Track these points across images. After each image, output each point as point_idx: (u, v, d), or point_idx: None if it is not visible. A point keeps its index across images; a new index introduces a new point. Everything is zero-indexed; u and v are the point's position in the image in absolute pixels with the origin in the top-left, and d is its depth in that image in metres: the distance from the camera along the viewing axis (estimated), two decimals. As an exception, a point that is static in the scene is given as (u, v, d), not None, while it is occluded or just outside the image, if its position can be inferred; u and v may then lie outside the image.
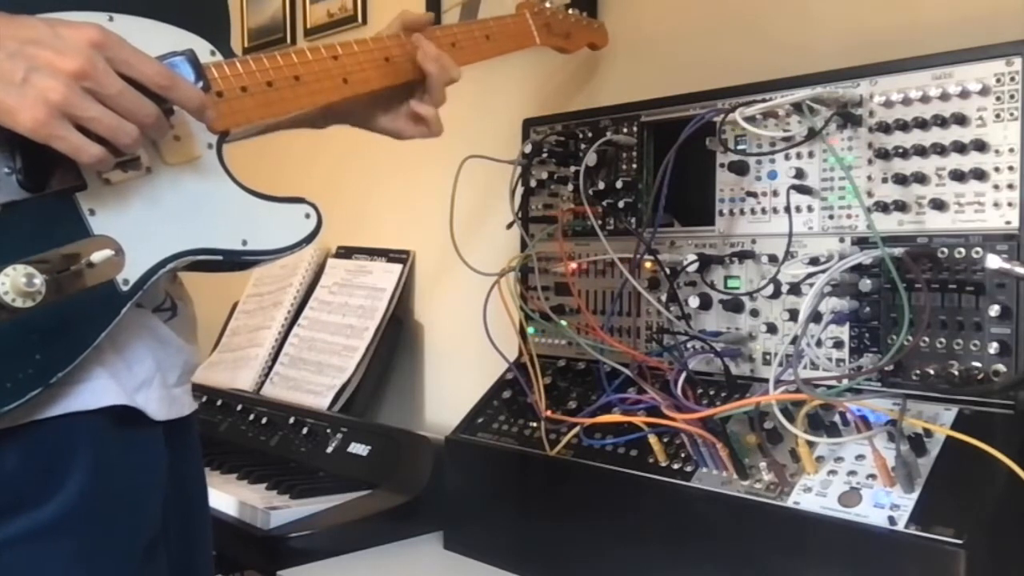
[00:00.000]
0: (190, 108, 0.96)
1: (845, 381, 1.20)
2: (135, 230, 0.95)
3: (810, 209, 1.31)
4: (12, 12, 0.87)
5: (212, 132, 1.03)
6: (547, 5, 1.60)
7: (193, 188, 1.01)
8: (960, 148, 1.16)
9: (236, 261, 1.04)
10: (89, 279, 0.89)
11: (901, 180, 1.21)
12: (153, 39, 0.97)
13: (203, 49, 1.03)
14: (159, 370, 1.04)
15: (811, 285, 1.23)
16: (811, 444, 1.18)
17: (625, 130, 1.54)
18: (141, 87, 0.90)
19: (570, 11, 1.68)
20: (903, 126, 1.21)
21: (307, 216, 1.09)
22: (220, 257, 1.02)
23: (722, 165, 1.40)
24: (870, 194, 1.24)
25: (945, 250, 1.17)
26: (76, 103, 0.86)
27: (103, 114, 0.88)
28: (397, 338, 2.21)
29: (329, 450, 1.92)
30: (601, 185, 1.55)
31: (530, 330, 1.62)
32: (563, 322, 1.55)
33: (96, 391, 0.96)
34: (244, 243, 1.04)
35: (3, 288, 0.83)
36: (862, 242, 1.25)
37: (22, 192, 0.89)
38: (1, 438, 0.91)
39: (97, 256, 0.89)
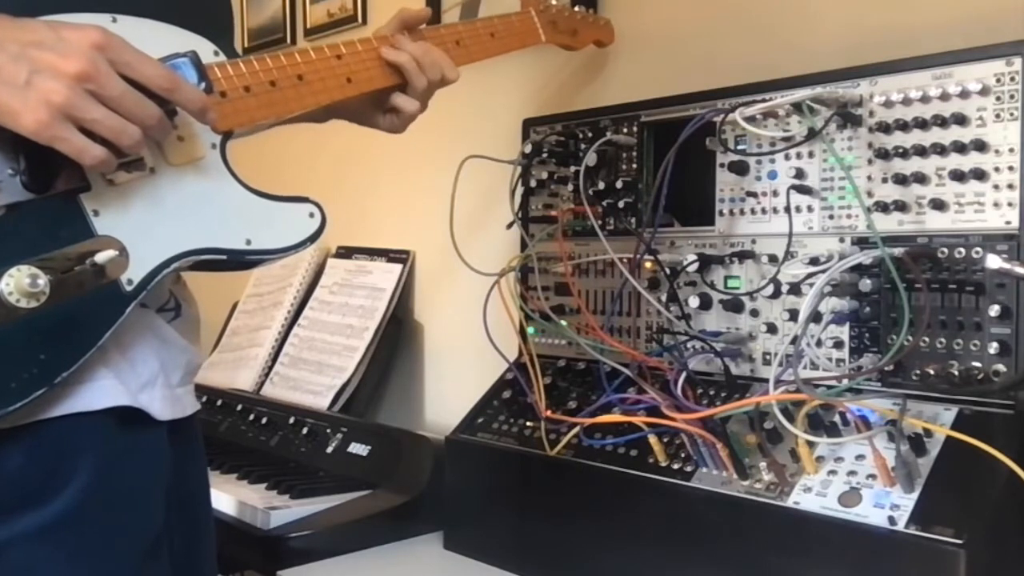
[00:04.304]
0: (192, 110, 0.97)
1: (845, 381, 1.21)
2: (139, 230, 0.96)
3: (810, 209, 1.31)
4: (16, 14, 0.87)
5: (215, 132, 1.03)
6: (552, 2, 1.60)
7: (197, 188, 1.01)
8: (960, 148, 1.16)
9: (240, 261, 1.04)
10: (93, 279, 0.89)
11: (901, 180, 1.21)
12: (157, 40, 0.97)
13: (206, 50, 1.04)
14: (163, 370, 1.04)
15: (811, 285, 1.23)
16: (811, 444, 1.18)
17: (625, 130, 1.54)
18: (143, 89, 0.91)
19: (576, 8, 1.68)
20: (903, 126, 1.21)
21: (311, 215, 1.09)
22: (224, 257, 1.03)
23: (722, 165, 1.41)
24: (870, 194, 1.25)
25: (945, 250, 1.17)
26: (78, 105, 0.86)
27: (105, 116, 0.88)
28: (397, 338, 2.21)
29: (329, 450, 1.92)
30: (601, 185, 1.55)
31: (530, 330, 1.62)
32: (563, 322, 1.55)
33: (100, 391, 0.96)
34: (248, 242, 1.04)
35: (7, 289, 0.83)
36: (862, 242, 1.25)
37: (26, 193, 0.89)
38: (5, 438, 0.91)
39: (101, 256, 0.89)
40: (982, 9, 1.32)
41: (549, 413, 1.46)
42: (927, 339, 1.18)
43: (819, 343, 1.28)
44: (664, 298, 1.45)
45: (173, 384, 1.06)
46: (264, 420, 2.11)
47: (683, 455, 1.30)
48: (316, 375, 2.18)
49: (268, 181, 1.09)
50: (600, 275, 1.58)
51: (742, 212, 1.39)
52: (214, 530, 1.23)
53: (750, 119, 1.29)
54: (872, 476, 1.12)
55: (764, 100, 1.32)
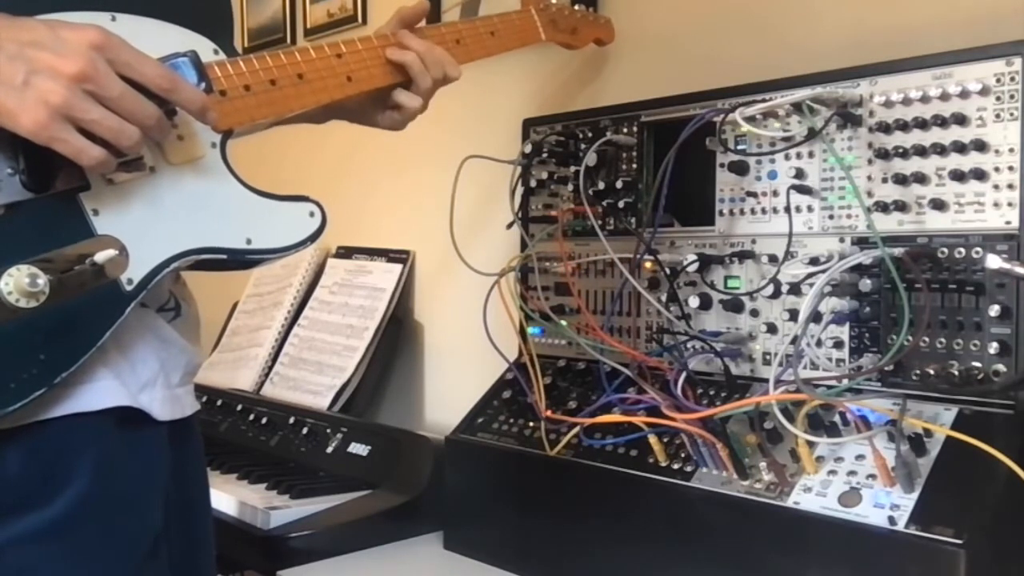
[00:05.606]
0: (191, 110, 0.96)
1: (845, 381, 1.21)
2: (139, 230, 0.95)
3: (810, 209, 1.31)
4: (15, 13, 0.87)
5: (215, 132, 1.03)
6: (553, 0, 1.60)
7: (197, 187, 1.01)
8: (960, 148, 1.16)
9: (240, 260, 1.04)
10: (93, 279, 0.89)
11: (901, 180, 1.21)
12: (156, 39, 0.97)
13: (206, 48, 1.03)
14: (163, 370, 1.04)
15: (811, 285, 1.23)
16: (811, 444, 1.18)
17: (625, 130, 1.54)
18: (142, 89, 0.90)
19: (576, 7, 1.68)
20: (903, 126, 1.21)
21: (311, 214, 1.09)
22: (224, 256, 1.03)
23: (722, 165, 1.41)
24: (870, 194, 1.25)
25: (945, 250, 1.17)
26: (77, 105, 0.85)
27: (104, 116, 0.87)
28: (397, 338, 2.21)
29: (329, 450, 1.92)
30: (601, 185, 1.55)
31: (533, 330, 1.62)
32: (563, 322, 1.55)
33: (100, 392, 0.96)
34: (248, 242, 1.04)
35: (7, 288, 0.83)
36: (862, 242, 1.25)
37: (25, 193, 0.89)
38: (5, 439, 0.91)
39: (101, 256, 0.89)
40: (982, 9, 1.32)
41: (549, 413, 1.45)
42: (927, 339, 1.18)
43: (819, 343, 1.27)
44: (664, 298, 1.45)
45: (173, 384, 1.06)
46: (264, 420, 2.11)
47: (683, 455, 1.29)
48: (316, 375, 2.18)
49: (268, 180, 1.09)
50: (600, 275, 1.58)
51: (742, 212, 1.39)
52: (213, 530, 1.23)
53: (750, 119, 1.29)
54: (872, 476, 1.12)
55: (764, 100, 1.31)
